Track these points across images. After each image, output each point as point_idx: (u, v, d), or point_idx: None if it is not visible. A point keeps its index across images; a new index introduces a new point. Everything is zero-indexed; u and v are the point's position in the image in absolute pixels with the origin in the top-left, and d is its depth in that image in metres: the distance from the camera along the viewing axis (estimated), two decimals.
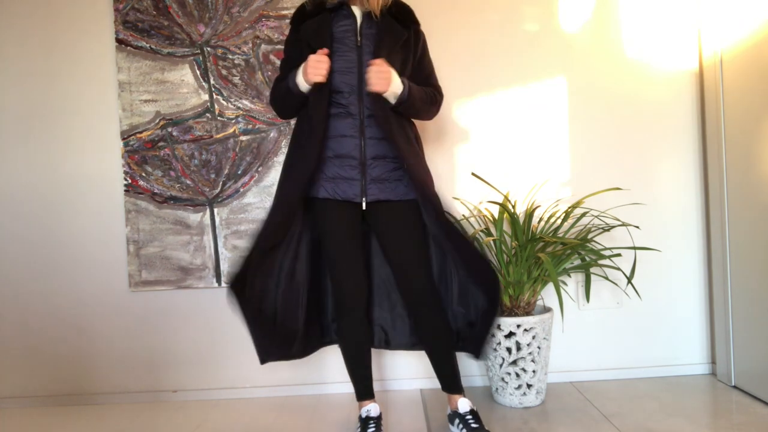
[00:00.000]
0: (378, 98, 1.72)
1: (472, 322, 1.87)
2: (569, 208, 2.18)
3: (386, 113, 1.73)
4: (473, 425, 1.79)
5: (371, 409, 1.90)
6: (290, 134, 2.36)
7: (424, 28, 1.92)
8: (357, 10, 1.81)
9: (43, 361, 2.43)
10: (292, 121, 2.36)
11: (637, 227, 2.21)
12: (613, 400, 2.13)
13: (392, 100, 1.73)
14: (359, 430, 1.86)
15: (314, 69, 1.68)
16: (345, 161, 1.76)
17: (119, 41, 2.38)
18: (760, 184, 2.00)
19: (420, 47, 1.88)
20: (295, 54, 1.82)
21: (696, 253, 2.38)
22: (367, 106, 1.75)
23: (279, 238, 1.79)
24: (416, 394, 2.33)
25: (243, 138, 2.38)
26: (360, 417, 1.90)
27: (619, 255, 2.11)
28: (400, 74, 1.76)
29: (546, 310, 2.18)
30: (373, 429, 1.84)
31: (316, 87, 1.72)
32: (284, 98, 1.81)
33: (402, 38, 1.78)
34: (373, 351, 2.33)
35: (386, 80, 1.68)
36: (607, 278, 2.22)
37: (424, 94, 1.83)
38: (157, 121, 2.38)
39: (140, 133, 2.39)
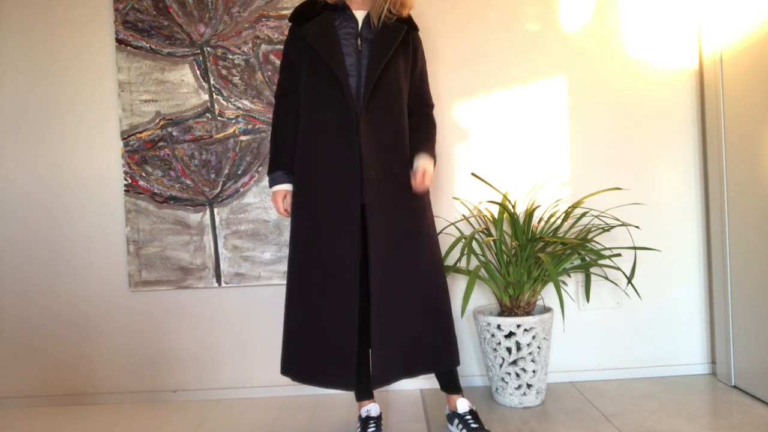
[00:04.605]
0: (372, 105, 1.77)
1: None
2: (569, 208, 2.18)
3: (377, 126, 1.78)
4: (473, 425, 1.79)
5: (371, 409, 1.90)
6: None
7: (424, 28, 1.94)
8: (358, 14, 1.83)
9: (43, 361, 2.43)
10: None
11: (637, 227, 2.21)
12: (613, 400, 2.13)
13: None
14: (359, 430, 1.86)
15: (277, 206, 1.89)
16: None
17: (119, 41, 2.38)
18: (761, 183, 2.00)
19: (419, 56, 1.90)
20: (295, 57, 1.85)
21: (696, 253, 2.38)
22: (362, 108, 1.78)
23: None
24: (416, 394, 2.33)
25: (243, 138, 2.38)
26: (360, 417, 1.91)
27: (619, 255, 2.11)
28: (400, 77, 1.81)
29: (546, 310, 2.18)
30: (374, 429, 1.84)
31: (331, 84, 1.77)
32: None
33: (397, 42, 1.78)
34: None
35: (431, 178, 1.83)
36: (607, 278, 2.22)
37: (432, 139, 1.91)
38: (157, 121, 2.38)
39: (140, 133, 2.39)
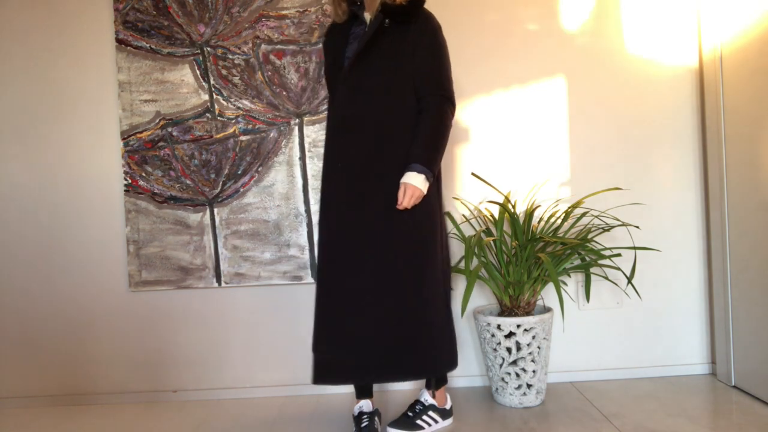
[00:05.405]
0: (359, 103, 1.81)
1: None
2: (569, 208, 2.18)
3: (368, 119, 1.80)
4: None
5: (363, 405, 1.93)
6: (290, 134, 2.37)
7: None
8: (368, 16, 1.86)
9: (43, 361, 2.43)
10: (292, 122, 2.37)
11: (637, 227, 2.21)
12: (613, 400, 2.13)
13: (428, 178, 1.77)
14: (354, 429, 1.88)
15: None
16: None
17: (119, 41, 2.38)
18: (760, 183, 2.00)
19: (423, 43, 1.80)
20: (327, 64, 1.95)
21: (696, 253, 2.38)
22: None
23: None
24: (417, 393, 2.33)
25: (243, 138, 2.38)
26: (353, 415, 1.92)
27: (619, 255, 2.11)
28: (388, 70, 1.78)
29: (546, 310, 2.18)
30: (367, 422, 1.85)
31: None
32: None
33: (368, 36, 1.76)
34: None
35: (414, 196, 1.73)
36: (607, 278, 2.22)
37: (428, 139, 1.78)
38: (157, 121, 2.38)
39: (140, 133, 2.39)
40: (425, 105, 1.80)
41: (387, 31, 1.78)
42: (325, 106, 2.36)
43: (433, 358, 1.79)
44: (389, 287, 1.76)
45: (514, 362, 2.08)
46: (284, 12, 2.36)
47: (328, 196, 1.85)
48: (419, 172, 1.74)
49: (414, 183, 1.73)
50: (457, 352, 1.90)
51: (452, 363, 1.85)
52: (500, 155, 2.38)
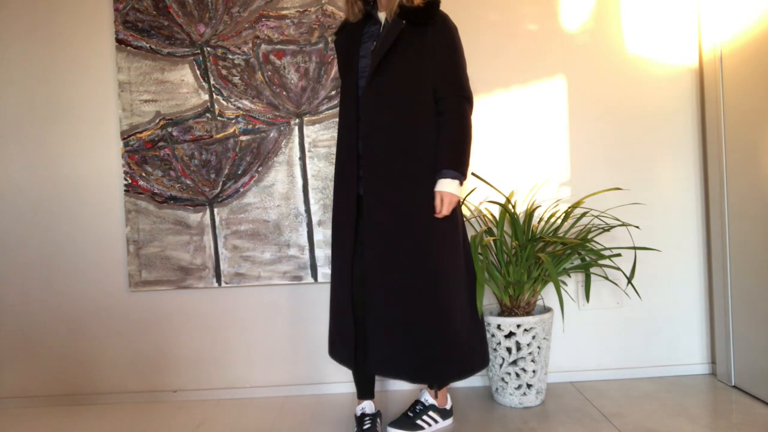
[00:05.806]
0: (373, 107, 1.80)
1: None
2: (569, 208, 2.18)
3: (378, 122, 1.79)
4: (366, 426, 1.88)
5: (365, 406, 1.93)
6: (290, 134, 2.37)
7: None
8: (383, 16, 1.86)
9: (43, 361, 2.43)
10: (292, 122, 2.37)
11: (637, 227, 2.21)
12: (613, 400, 2.13)
13: (461, 182, 1.79)
14: (356, 429, 1.88)
15: None
16: None
17: (119, 41, 2.38)
18: (760, 183, 2.00)
19: (441, 44, 1.80)
20: (339, 63, 1.95)
21: (696, 253, 2.38)
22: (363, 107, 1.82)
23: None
24: (417, 394, 2.33)
25: (243, 138, 2.38)
26: (355, 416, 1.93)
27: (619, 255, 2.11)
28: (409, 72, 1.78)
29: (546, 310, 2.18)
30: (369, 425, 1.86)
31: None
32: None
33: (392, 38, 1.76)
34: None
35: (452, 203, 1.76)
36: (607, 278, 2.22)
37: (456, 146, 1.78)
38: (157, 121, 2.38)
39: (140, 133, 2.39)
40: (445, 107, 1.80)
41: (404, 33, 1.78)
42: (325, 106, 2.37)
43: (445, 362, 1.80)
44: (403, 289, 1.76)
45: (514, 362, 2.08)
46: (284, 12, 2.36)
47: (339, 196, 1.85)
48: (452, 178, 1.76)
49: (450, 190, 1.75)
50: (485, 356, 1.91)
51: (466, 370, 1.85)
52: (500, 155, 2.38)
